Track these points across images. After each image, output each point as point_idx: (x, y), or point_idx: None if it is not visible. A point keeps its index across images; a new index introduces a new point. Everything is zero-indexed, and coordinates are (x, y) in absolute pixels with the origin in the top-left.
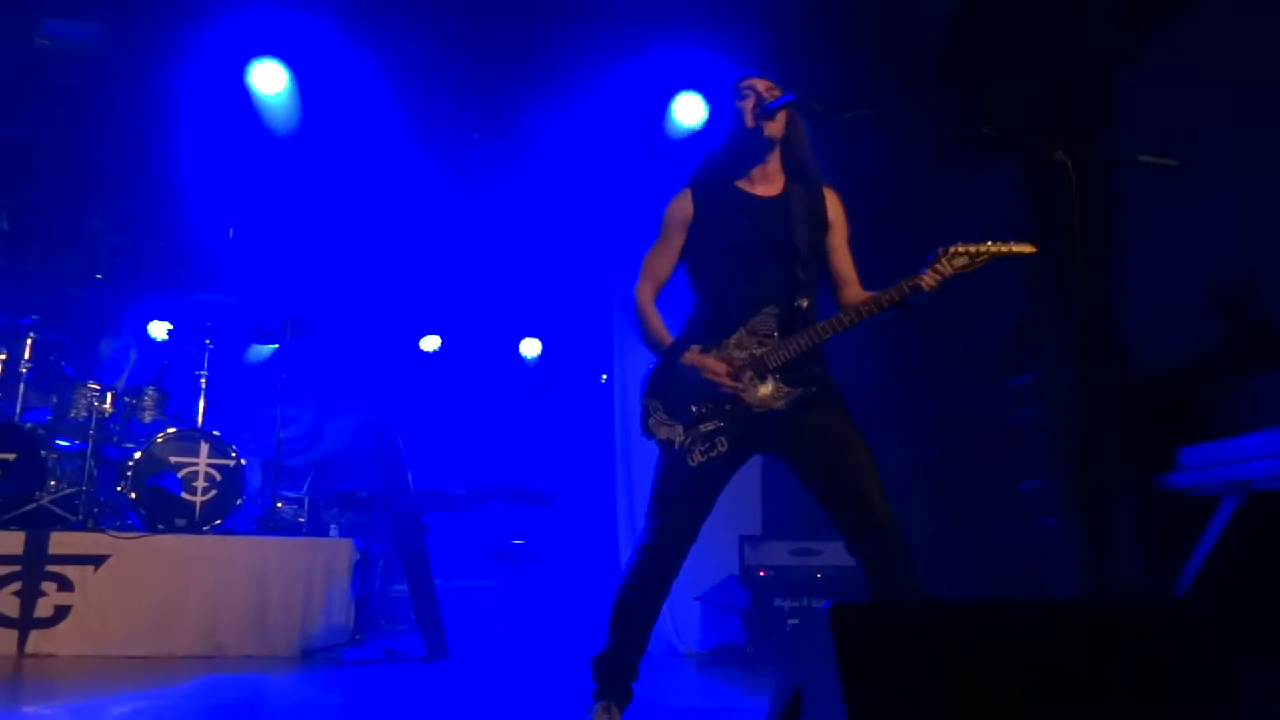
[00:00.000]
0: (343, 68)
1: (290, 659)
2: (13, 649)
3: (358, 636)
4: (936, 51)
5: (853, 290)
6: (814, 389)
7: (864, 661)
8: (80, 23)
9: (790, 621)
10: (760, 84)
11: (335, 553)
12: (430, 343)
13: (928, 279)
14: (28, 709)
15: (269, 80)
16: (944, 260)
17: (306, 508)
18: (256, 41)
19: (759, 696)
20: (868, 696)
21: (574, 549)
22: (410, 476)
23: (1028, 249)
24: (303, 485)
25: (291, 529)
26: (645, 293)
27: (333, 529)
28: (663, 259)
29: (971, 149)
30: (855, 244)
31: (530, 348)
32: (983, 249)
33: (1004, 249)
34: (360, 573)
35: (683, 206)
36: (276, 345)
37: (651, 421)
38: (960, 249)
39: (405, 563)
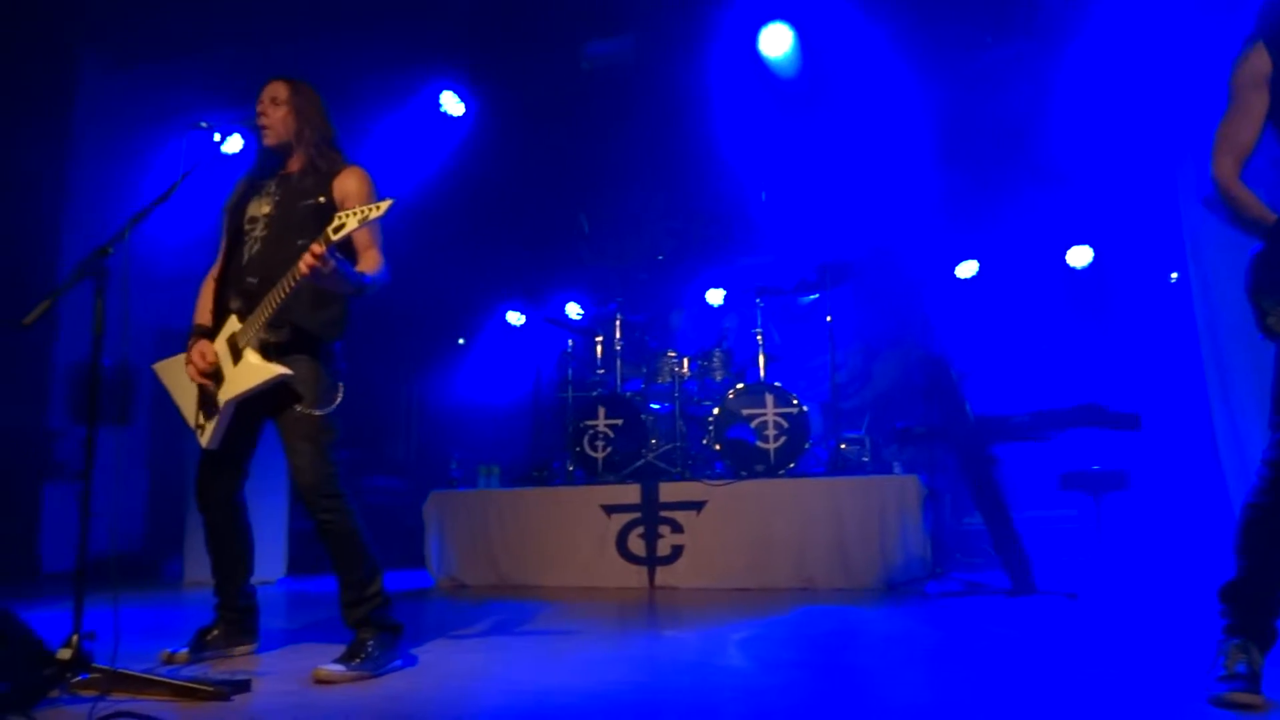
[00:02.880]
0: (839, 10)
1: (875, 591)
2: (644, 582)
3: (938, 570)
4: None
5: None
6: None
7: None
8: (615, 39)
9: None
10: None
11: (904, 489)
12: (967, 269)
13: None
14: (668, 633)
15: (777, 42)
16: None
17: (868, 447)
18: (762, 9)
19: None
20: None
21: (1164, 471)
22: (969, 407)
23: None
24: (862, 425)
25: (857, 468)
26: (1227, 169)
27: (895, 466)
28: (1243, 126)
29: None
30: None
31: (1079, 256)
32: None
33: None
34: (930, 507)
35: (1257, 63)
36: (818, 295)
37: (1271, 320)
38: None
39: (977, 496)
